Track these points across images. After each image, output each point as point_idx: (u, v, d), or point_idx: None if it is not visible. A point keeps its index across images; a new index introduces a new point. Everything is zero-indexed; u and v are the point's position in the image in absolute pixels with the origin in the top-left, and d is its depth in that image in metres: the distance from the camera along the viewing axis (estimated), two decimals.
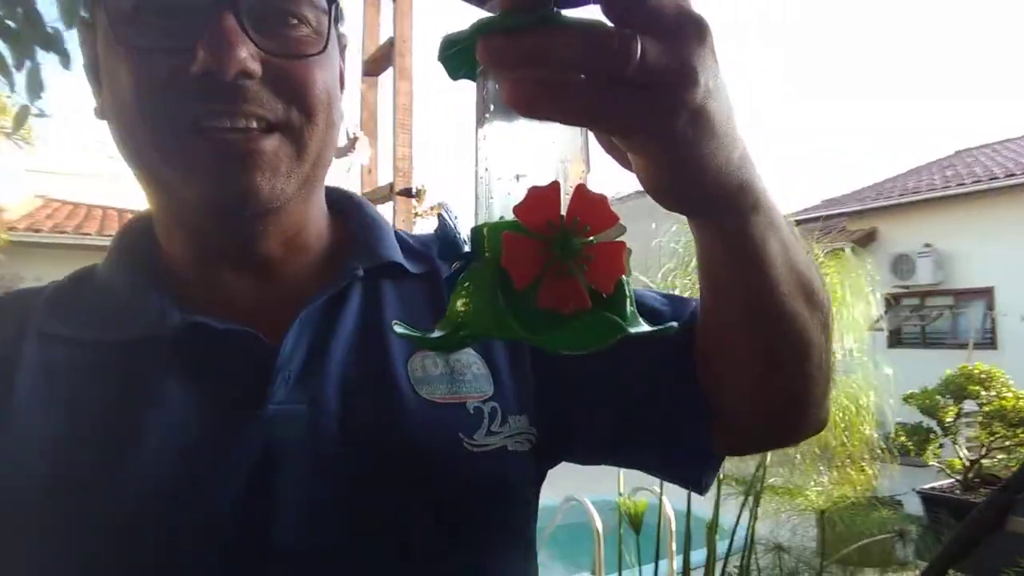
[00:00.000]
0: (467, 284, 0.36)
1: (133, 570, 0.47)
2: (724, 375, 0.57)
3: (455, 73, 0.38)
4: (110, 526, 0.47)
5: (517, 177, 0.35)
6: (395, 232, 0.66)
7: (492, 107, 0.36)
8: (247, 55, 0.47)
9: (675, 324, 0.37)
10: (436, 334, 0.36)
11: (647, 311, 0.63)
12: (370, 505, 0.51)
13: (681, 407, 0.61)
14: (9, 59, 1.88)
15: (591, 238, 0.33)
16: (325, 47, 0.52)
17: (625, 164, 0.40)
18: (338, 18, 0.55)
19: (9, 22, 1.84)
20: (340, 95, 0.58)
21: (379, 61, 2.54)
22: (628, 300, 0.36)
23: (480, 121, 0.37)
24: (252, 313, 0.56)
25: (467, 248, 0.38)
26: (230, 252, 0.56)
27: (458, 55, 0.36)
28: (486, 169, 0.37)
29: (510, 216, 0.35)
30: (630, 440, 0.64)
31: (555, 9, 0.33)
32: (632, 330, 0.34)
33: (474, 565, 0.54)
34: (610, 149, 0.40)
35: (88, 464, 0.49)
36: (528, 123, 0.35)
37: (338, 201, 0.66)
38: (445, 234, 0.40)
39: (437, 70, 0.38)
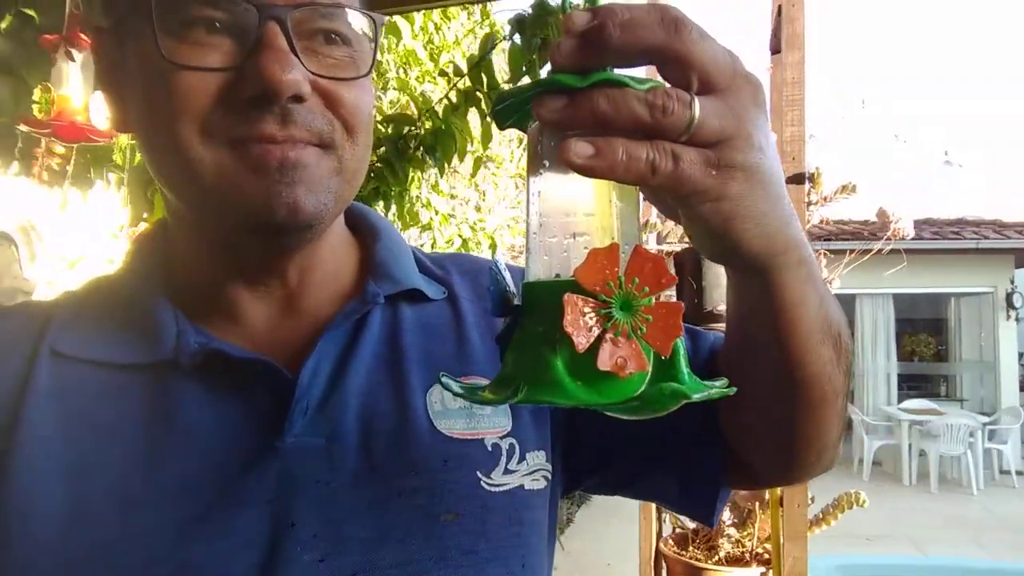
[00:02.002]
0: (523, 346, 0.35)
1: None
2: (747, 416, 0.57)
3: (503, 124, 0.38)
4: (125, 558, 0.46)
5: (574, 236, 0.35)
6: (412, 252, 0.64)
7: (547, 163, 0.36)
8: (301, 78, 0.46)
9: (734, 388, 0.37)
10: (492, 395, 0.36)
11: None
12: (385, 542, 0.50)
13: (700, 444, 0.62)
14: None
15: (650, 299, 0.33)
16: (371, 68, 0.52)
17: (674, 217, 0.40)
18: (379, 37, 0.54)
19: None
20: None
21: (776, 34, 2.38)
22: (684, 360, 0.36)
23: (533, 174, 0.37)
24: (269, 335, 0.55)
25: (516, 302, 0.38)
26: (253, 271, 0.54)
27: (511, 107, 0.36)
28: (540, 225, 0.36)
29: (564, 273, 0.35)
30: (646, 474, 0.64)
31: (612, 69, 0.33)
32: (696, 396, 0.34)
33: None
34: (658, 201, 0.41)
35: (102, 493, 0.47)
36: (585, 181, 0.34)
37: (357, 218, 0.64)
38: (495, 290, 0.39)
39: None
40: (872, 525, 6.30)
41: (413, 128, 2.62)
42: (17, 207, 2.19)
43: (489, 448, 0.55)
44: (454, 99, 2.60)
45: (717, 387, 0.36)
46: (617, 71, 0.34)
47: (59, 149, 1.85)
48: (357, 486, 0.50)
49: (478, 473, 0.53)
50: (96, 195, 2.11)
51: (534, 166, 0.37)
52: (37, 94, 1.60)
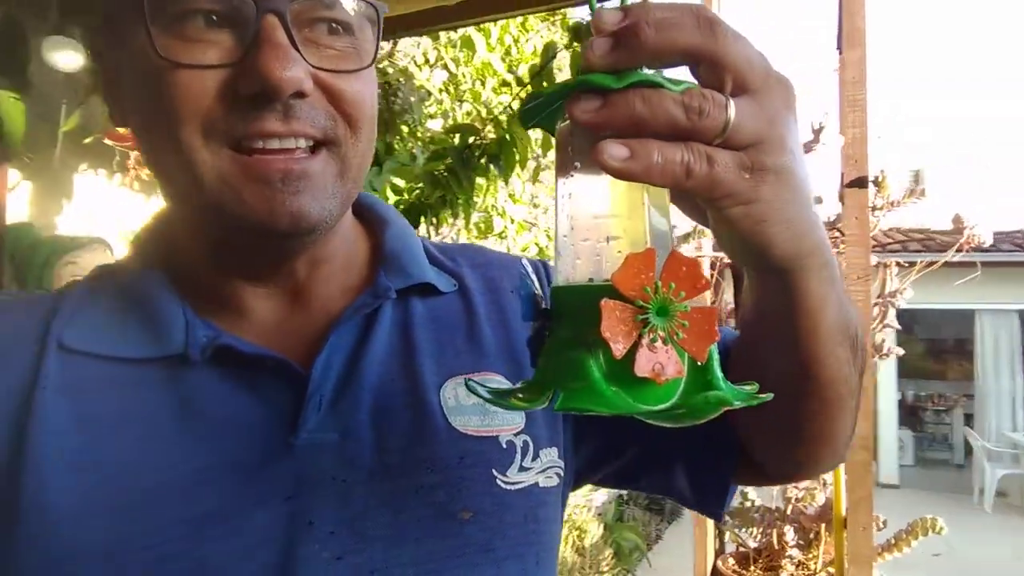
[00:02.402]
0: (557, 351, 0.34)
1: None
2: (763, 415, 0.55)
3: (527, 123, 0.38)
4: (138, 555, 0.45)
5: (607, 239, 0.35)
6: (422, 243, 0.63)
7: (578, 164, 0.35)
8: (302, 74, 0.45)
9: (771, 395, 0.37)
10: (525, 402, 0.34)
11: None
12: (403, 540, 0.49)
13: (712, 439, 0.60)
14: None
15: (685, 304, 0.32)
16: (375, 58, 0.50)
17: (700, 220, 0.39)
18: (381, 29, 0.52)
19: None
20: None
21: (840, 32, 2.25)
22: (718, 364, 0.34)
23: (563, 176, 0.36)
24: (279, 329, 0.54)
25: (544, 305, 0.37)
26: (258, 267, 0.53)
27: (539, 106, 0.36)
28: (571, 228, 0.35)
29: (597, 277, 0.34)
30: (656, 467, 0.64)
31: (649, 71, 0.32)
32: (737, 403, 0.33)
33: None
34: (684, 202, 0.40)
35: (114, 489, 0.46)
36: (618, 183, 0.33)
37: (366, 209, 0.62)
38: (526, 294, 0.37)
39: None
40: (995, 562, 5.75)
41: (478, 138, 2.68)
42: (114, 213, 2.42)
43: (504, 445, 0.54)
44: (516, 108, 2.63)
45: (749, 392, 0.36)
46: (649, 72, 0.33)
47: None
48: (373, 483, 0.50)
49: (494, 471, 0.53)
50: None
51: (564, 168, 0.36)
52: None
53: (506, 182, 2.88)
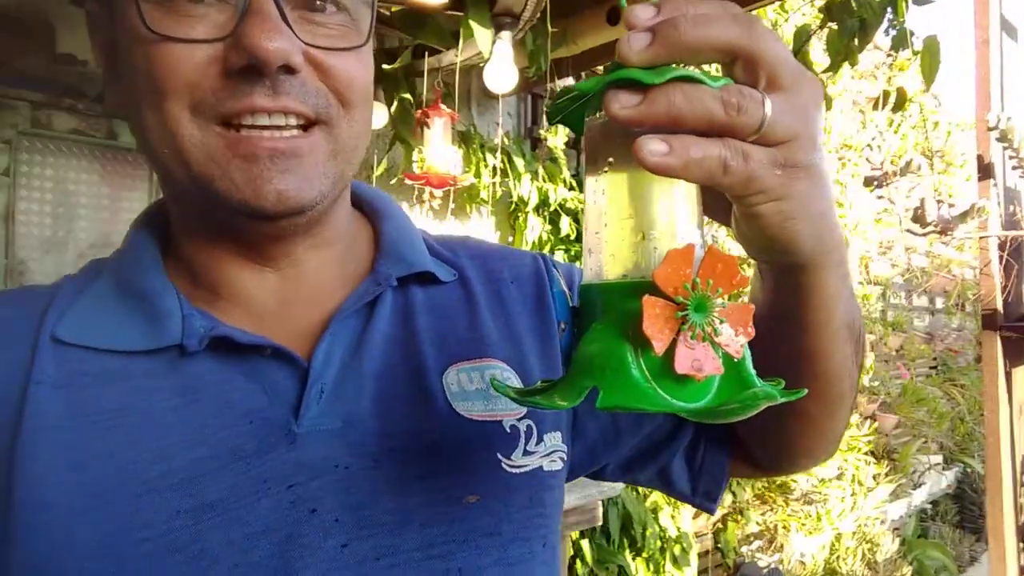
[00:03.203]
0: (595, 346, 0.34)
1: None
2: (765, 410, 0.47)
3: (555, 117, 0.37)
4: (139, 547, 0.44)
5: (643, 236, 0.34)
6: (422, 235, 0.61)
7: (612, 160, 0.35)
8: (291, 47, 0.43)
9: (805, 390, 0.35)
10: (561, 400, 0.34)
11: None
12: (408, 525, 0.48)
13: (707, 434, 0.61)
14: None
15: (723, 300, 0.32)
16: (368, 38, 0.48)
17: (720, 218, 0.39)
18: (375, 5, 0.50)
19: None
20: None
21: None
22: (750, 361, 0.34)
23: (594, 172, 0.36)
24: (277, 318, 0.52)
25: (572, 305, 0.37)
26: (254, 251, 0.51)
27: (569, 101, 0.36)
28: (604, 225, 0.35)
29: (631, 274, 0.34)
30: (654, 462, 0.63)
31: (686, 67, 0.32)
32: (780, 397, 0.32)
33: None
34: (710, 199, 0.39)
35: (113, 482, 0.45)
36: (653, 179, 0.33)
37: (368, 200, 0.61)
38: (559, 292, 0.38)
39: None
40: None
41: None
42: None
43: (508, 430, 0.53)
44: None
45: (783, 388, 0.35)
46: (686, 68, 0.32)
47: (437, 193, 2.42)
48: (378, 469, 0.48)
49: (498, 455, 0.52)
50: (472, 224, 2.66)
51: (595, 164, 0.36)
52: (415, 155, 2.16)
53: None
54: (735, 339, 0.32)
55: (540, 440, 0.54)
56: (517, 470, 0.52)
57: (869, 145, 5.27)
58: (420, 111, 2.05)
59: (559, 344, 0.38)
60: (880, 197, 5.46)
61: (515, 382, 0.55)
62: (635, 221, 0.35)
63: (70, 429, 0.46)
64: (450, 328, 0.56)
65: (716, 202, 0.38)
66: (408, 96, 2.14)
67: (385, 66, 2.07)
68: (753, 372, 0.34)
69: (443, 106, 2.07)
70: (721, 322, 0.32)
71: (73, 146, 1.89)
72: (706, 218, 0.39)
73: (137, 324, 0.49)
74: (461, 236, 0.66)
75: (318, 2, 0.46)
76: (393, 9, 1.92)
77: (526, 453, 0.53)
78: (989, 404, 2.50)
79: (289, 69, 0.44)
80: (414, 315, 0.55)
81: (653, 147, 0.30)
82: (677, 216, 0.35)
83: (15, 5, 1.51)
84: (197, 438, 0.46)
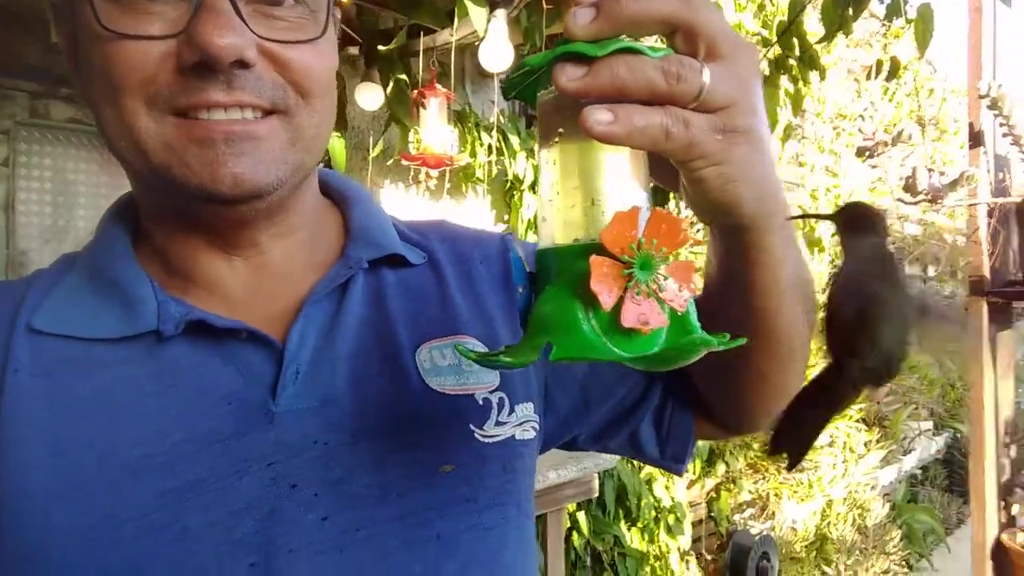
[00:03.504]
0: (548, 306, 0.35)
1: (155, 570, 0.44)
2: (720, 368, 0.54)
3: (510, 92, 0.39)
4: (124, 528, 0.44)
5: (592, 201, 0.36)
6: (392, 220, 0.63)
7: (561, 131, 0.36)
8: (243, 42, 0.43)
9: (744, 339, 0.37)
10: (517, 357, 0.36)
11: None
12: (387, 496, 0.49)
13: (673, 397, 0.64)
14: None
15: (667, 258, 0.34)
16: (324, 31, 0.48)
17: (668, 184, 0.41)
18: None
19: None
20: (335, 79, 0.54)
21: None
22: (695, 315, 0.37)
23: (546, 144, 0.37)
24: (249, 303, 0.53)
25: (529, 270, 0.39)
26: (221, 239, 0.52)
27: (522, 77, 0.37)
28: (556, 193, 0.37)
29: (582, 238, 0.36)
30: (624, 429, 0.65)
31: (629, 40, 0.34)
32: (719, 345, 0.35)
33: (487, 546, 0.53)
34: (654, 168, 0.40)
35: (94, 465, 0.45)
36: (600, 148, 0.35)
37: (336, 188, 0.62)
38: (516, 257, 0.39)
39: None
40: None
41: None
42: (411, 216, 2.89)
43: (480, 402, 0.55)
44: (765, 70, 2.55)
45: (725, 336, 0.37)
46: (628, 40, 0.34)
47: (433, 173, 2.43)
48: (355, 444, 0.49)
49: (471, 426, 0.53)
50: (468, 203, 2.68)
51: (547, 136, 0.37)
52: (411, 136, 2.16)
53: None
54: (679, 294, 0.35)
55: (512, 411, 0.56)
56: (490, 440, 0.54)
57: (861, 115, 5.26)
58: (416, 91, 2.05)
59: (520, 307, 0.39)
60: (874, 167, 5.47)
61: None
62: (585, 188, 0.36)
63: (49, 416, 0.47)
64: (422, 308, 0.57)
65: (664, 169, 0.39)
66: (404, 77, 2.14)
67: (380, 47, 2.06)
68: (697, 324, 0.37)
69: (439, 86, 2.07)
70: (665, 279, 0.34)
71: (71, 135, 1.91)
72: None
73: (112, 312, 0.50)
74: (434, 220, 0.68)
75: None
76: None
77: (498, 423, 0.55)
78: (975, 367, 2.56)
79: (243, 64, 0.44)
80: (386, 297, 0.56)
81: (598, 116, 0.32)
82: (624, 182, 0.36)
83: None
84: (176, 422, 0.47)
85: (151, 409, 0.48)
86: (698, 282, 0.38)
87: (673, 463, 0.66)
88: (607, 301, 0.33)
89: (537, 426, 0.58)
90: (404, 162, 2.19)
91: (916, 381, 5.50)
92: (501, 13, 2.02)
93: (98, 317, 0.50)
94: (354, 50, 2.20)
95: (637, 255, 0.33)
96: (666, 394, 0.64)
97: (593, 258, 0.33)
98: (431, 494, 0.51)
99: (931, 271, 6.88)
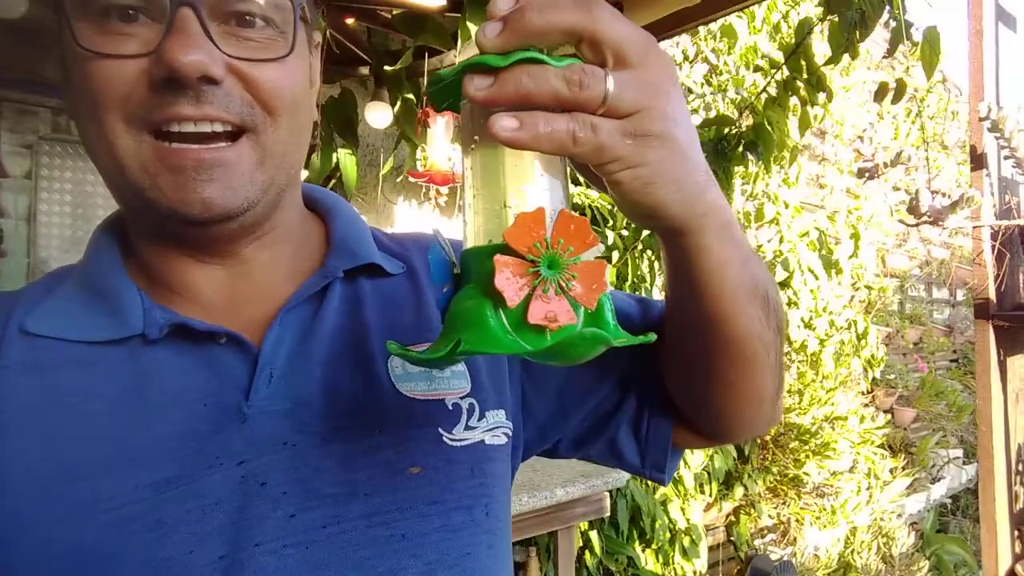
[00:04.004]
0: (461, 304, 0.37)
1: (125, 561, 0.46)
2: (688, 374, 0.57)
3: (440, 105, 0.40)
4: (101, 517, 0.46)
5: (505, 204, 0.37)
6: (372, 232, 0.64)
7: (477, 138, 0.38)
8: (209, 60, 0.46)
9: (654, 334, 0.38)
10: (431, 353, 0.37)
11: (619, 314, 0.64)
12: (354, 496, 0.51)
13: (649, 406, 0.63)
14: None
15: (575, 258, 0.35)
16: (291, 50, 0.50)
17: (599, 187, 0.42)
18: (305, 18, 0.53)
19: None
20: (311, 96, 0.56)
21: None
22: (610, 313, 0.38)
23: (466, 151, 0.39)
24: (230, 311, 0.55)
25: (457, 271, 0.40)
26: (200, 251, 0.54)
27: (444, 89, 0.39)
28: (474, 196, 0.38)
29: (498, 240, 0.37)
30: (603, 436, 0.65)
31: (535, 50, 0.35)
32: (615, 341, 0.36)
33: (454, 547, 0.53)
34: (585, 172, 0.42)
35: (77, 459, 0.47)
36: (512, 153, 0.37)
37: (320, 202, 0.64)
38: (436, 257, 0.41)
39: None
40: None
41: (732, 128, 2.66)
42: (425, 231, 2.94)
43: (450, 407, 0.56)
44: (774, 92, 2.57)
45: (639, 337, 0.37)
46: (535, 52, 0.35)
47: (443, 190, 2.48)
48: (324, 446, 0.51)
49: (440, 429, 0.55)
50: None
51: (466, 142, 0.39)
52: (418, 153, 2.22)
53: (767, 168, 2.80)
54: (588, 292, 0.35)
55: (482, 416, 0.57)
56: (458, 443, 0.55)
57: (860, 136, 5.22)
58: (421, 111, 2.10)
59: (439, 305, 0.41)
60: (896, 189, 5.40)
61: (459, 366, 0.58)
62: (498, 192, 0.37)
63: (36, 411, 0.49)
64: (397, 316, 0.59)
65: (593, 173, 0.40)
66: (411, 96, 2.19)
67: (387, 67, 2.12)
68: (612, 322, 0.38)
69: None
70: (573, 277, 0.35)
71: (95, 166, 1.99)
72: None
73: (101, 317, 0.53)
74: (417, 232, 0.70)
75: (246, 17, 0.49)
76: (394, 12, 1.98)
77: (468, 428, 0.56)
78: (982, 393, 2.50)
79: (210, 80, 0.47)
80: (362, 306, 0.58)
81: (504, 123, 0.34)
82: (536, 186, 0.37)
83: (33, 18, 1.60)
84: (155, 419, 0.49)
85: (133, 407, 0.50)
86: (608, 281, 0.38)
87: (655, 471, 0.66)
88: (511, 298, 0.34)
89: (509, 432, 0.60)
90: (412, 179, 2.24)
91: (944, 408, 5.35)
92: None
93: (87, 322, 0.53)
94: (365, 70, 2.27)
95: (543, 254, 0.34)
96: (642, 403, 0.64)
97: (496, 257, 0.34)
98: (398, 494, 0.52)
99: (960, 295, 6.73)
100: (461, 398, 0.57)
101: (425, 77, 2.17)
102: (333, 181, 2.23)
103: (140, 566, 0.46)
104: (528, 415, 0.63)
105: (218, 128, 0.48)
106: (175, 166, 0.47)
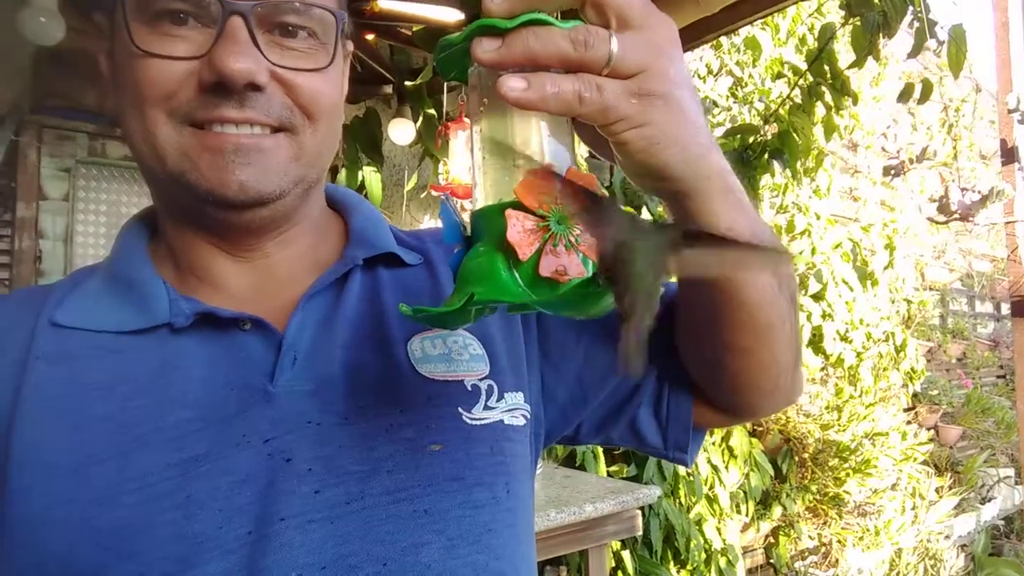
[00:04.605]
0: (474, 259, 0.38)
1: (156, 537, 0.47)
2: (702, 345, 0.57)
3: (447, 73, 0.41)
4: (132, 496, 0.48)
5: (514, 165, 0.38)
6: (390, 227, 0.66)
7: (486, 101, 0.39)
8: (256, 67, 0.49)
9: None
10: (447, 307, 0.38)
11: None
12: (376, 473, 0.52)
13: (668, 384, 0.63)
14: None
15: None
16: (332, 61, 0.53)
17: (604, 153, 0.42)
18: (346, 31, 0.55)
19: None
20: (342, 104, 0.59)
21: None
22: None
23: (475, 115, 0.40)
24: (254, 300, 0.57)
25: (467, 233, 0.41)
26: (230, 244, 0.57)
27: (451, 57, 0.40)
28: (484, 158, 0.39)
29: (507, 199, 0.37)
30: (623, 418, 0.65)
31: (541, 13, 0.36)
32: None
33: (476, 523, 0.54)
34: (590, 140, 0.43)
35: (107, 442, 0.49)
36: (520, 114, 0.38)
37: (340, 200, 0.67)
38: (448, 219, 0.42)
39: None
40: None
41: (758, 136, 2.64)
42: None
43: (469, 388, 0.57)
44: (799, 99, 2.55)
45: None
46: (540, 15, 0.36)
47: (468, 204, 2.49)
48: (347, 425, 0.52)
49: (459, 408, 0.56)
50: None
51: (475, 107, 0.40)
52: (440, 167, 2.24)
53: (793, 175, 2.76)
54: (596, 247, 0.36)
55: (501, 397, 0.58)
56: (477, 422, 0.56)
57: (884, 134, 5.12)
58: (442, 124, 2.13)
59: (451, 264, 0.42)
60: (922, 192, 5.26)
61: (477, 349, 0.59)
62: (508, 153, 0.39)
63: (68, 397, 0.51)
64: (415, 303, 0.61)
65: (598, 138, 0.41)
66: (433, 111, 2.22)
67: (407, 83, 2.16)
68: None
69: (466, 119, 2.15)
70: (583, 231, 0.36)
71: (126, 172, 2.06)
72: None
73: (128, 308, 0.55)
74: (433, 228, 0.71)
75: (289, 27, 0.52)
76: (414, 29, 2.01)
77: (487, 408, 0.57)
78: (1020, 394, 2.39)
79: (255, 86, 0.50)
80: (381, 293, 0.60)
81: (512, 84, 0.35)
82: (545, 146, 0.38)
83: (72, 46, 1.67)
84: (183, 402, 0.51)
85: (161, 391, 0.52)
86: None
87: (677, 451, 0.66)
88: (524, 251, 0.35)
89: (528, 414, 0.60)
90: (434, 193, 2.26)
91: (992, 425, 5.15)
92: None
93: (115, 313, 0.55)
94: (388, 89, 2.31)
95: (553, 210, 0.35)
96: (662, 383, 0.64)
97: (508, 212, 0.35)
98: (420, 471, 0.53)
99: (1005, 309, 6.50)
100: (480, 379, 0.58)
101: (445, 94, 2.20)
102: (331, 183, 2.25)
103: (170, 541, 0.47)
104: (548, 399, 0.64)
105: (257, 131, 0.51)
106: (215, 148, 0.50)
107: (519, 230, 0.35)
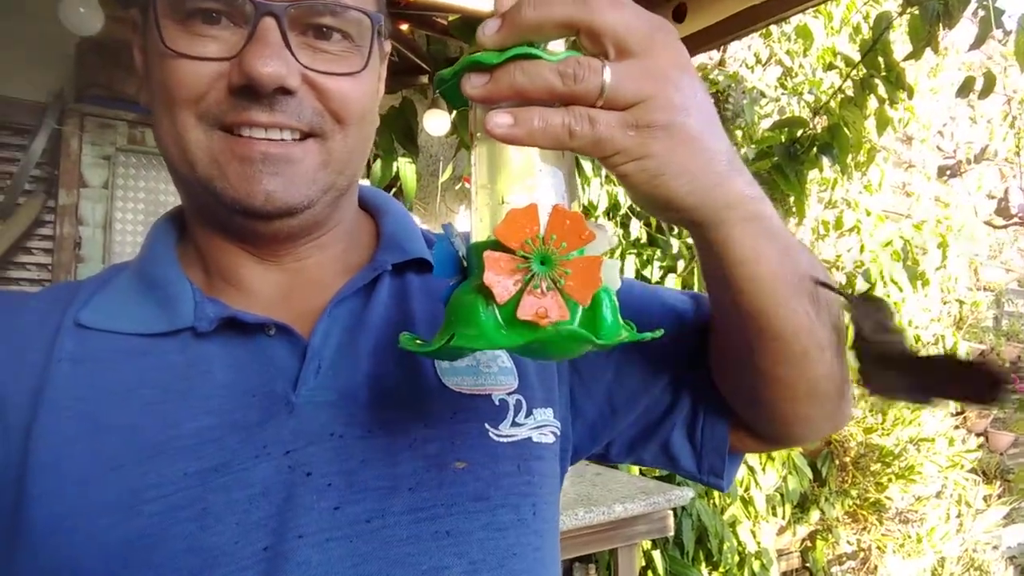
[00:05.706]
0: (459, 298, 0.37)
1: (170, 548, 0.46)
2: (736, 373, 0.55)
3: (454, 104, 0.40)
4: (149, 505, 0.46)
5: (502, 201, 0.37)
6: (421, 231, 0.64)
7: (479, 134, 0.38)
8: (287, 71, 0.47)
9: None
10: (426, 346, 0.37)
11: (668, 312, 0.61)
12: (398, 490, 0.50)
13: (704, 408, 0.61)
14: None
15: (568, 254, 0.34)
16: (366, 66, 0.51)
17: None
18: (382, 32, 0.54)
19: None
20: (376, 108, 0.57)
21: None
22: (609, 309, 0.36)
23: (471, 146, 0.39)
24: (282, 304, 0.55)
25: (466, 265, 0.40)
26: (258, 248, 0.55)
27: (448, 90, 0.38)
28: (477, 192, 0.38)
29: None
30: (655, 440, 0.63)
31: (532, 45, 0.35)
32: (600, 340, 0.34)
33: (499, 547, 0.51)
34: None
35: (125, 447, 0.48)
36: (513, 148, 0.36)
37: (371, 201, 0.65)
38: (442, 252, 0.40)
39: None
40: None
41: (807, 130, 2.53)
42: None
43: (496, 403, 0.55)
44: (850, 91, 2.43)
45: (629, 335, 0.36)
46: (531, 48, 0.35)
47: None
48: (370, 438, 0.50)
49: (486, 424, 0.53)
50: None
51: (472, 139, 0.39)
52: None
53: (843, 170, 2.64)
54: (582, 288, 0.34)
55: (530, 413, 0.56)
56: (505, 439, 0.54)
57: (940, 132, 4.87)
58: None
59: (443, 298, 0.40)
60: (979, 188, 5.01)
61: (506, 362, 0.57)
62: (497, 187, 0.37)
63: (89, 400, 0.49)
64: (443, 311, 0.60)
65: None
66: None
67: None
68: (608, 318, 0.36)
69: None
70: (567, 273, 0.34)
71: (164, 160, 2.08)
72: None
73: (153, 309, 0.53)
74: (466, 231, 0.70)
75: (324, 29, 0.50)
76: (450, 19, 1.97)
77: (515, 424, 0.55)
78: None
79: (285, 90, 0.48)
80: (409, 299, 0.58)
81: (498, 120, 0.34)
82: (535, 180, 0.37)
83: (113, 36, 1.68)
84: (204, 408, 0.50)
85: (182, 397, 0.50)
86: (614, 277, 0.37)
87: (712, 476, 0.63)
88: (501, 294, 0.33)
89: (557, 431, 0.58)
90: (467, 185, 2.22)
91: None
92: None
93: (139, 315, 0.53)
94: (424, 79, 2.28)
95: (535, 250, 0.34)
96: (697, 405, 0.62)
97: (486, 253, 0.34)
98: (443, 489, 0.51)
99: None
100: (508, 394, 0.56)
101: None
102: (394, 190, 2.25)
103: (185, 554, 0.46)
104: (577, 415, 0.62)
105: (287, 136, 0.50)
106: (243, 156, 0.49)
107: (496, 272, 0.34)
